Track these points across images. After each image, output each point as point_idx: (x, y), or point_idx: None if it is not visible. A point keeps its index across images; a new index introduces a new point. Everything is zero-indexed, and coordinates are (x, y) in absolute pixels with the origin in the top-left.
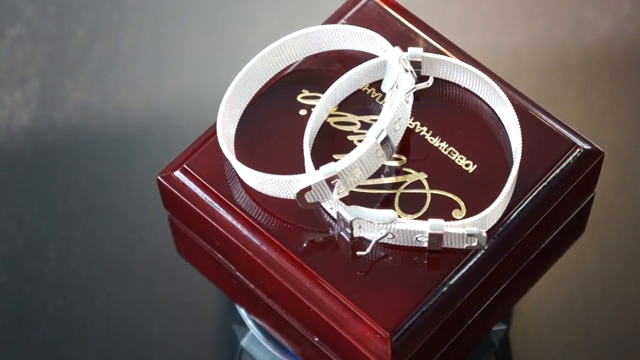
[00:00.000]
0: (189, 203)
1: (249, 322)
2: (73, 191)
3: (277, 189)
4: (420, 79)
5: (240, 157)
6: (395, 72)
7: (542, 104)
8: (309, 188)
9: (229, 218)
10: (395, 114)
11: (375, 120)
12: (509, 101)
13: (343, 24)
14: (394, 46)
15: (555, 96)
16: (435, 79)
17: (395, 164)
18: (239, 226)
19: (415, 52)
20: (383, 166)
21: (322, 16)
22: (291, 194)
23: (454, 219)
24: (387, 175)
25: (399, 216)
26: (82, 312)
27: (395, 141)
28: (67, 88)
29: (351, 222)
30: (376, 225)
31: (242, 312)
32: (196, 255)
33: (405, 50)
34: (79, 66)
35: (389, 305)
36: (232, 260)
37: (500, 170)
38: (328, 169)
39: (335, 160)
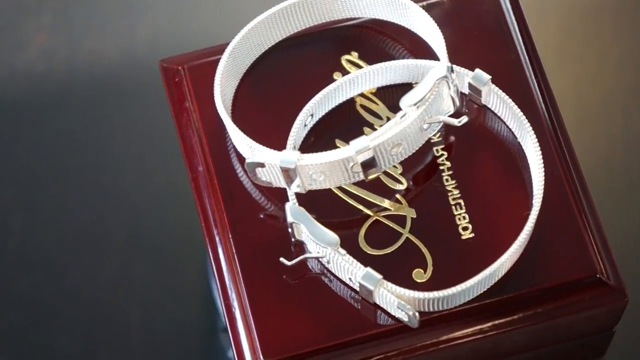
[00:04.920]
0: (170, 101)
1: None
2: (38, 152)
3: (242, 146)
4: (474, 110)
5: (242, 94)
6: (423, 90)
7: (571, 44)
8: (262, 164)
9: (195, 144)
10: (396, 137)
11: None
12: (541, 179)
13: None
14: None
15: (586, 36)
16: (493, 114)
17: (393, 185)
18: (198, 157)
19: (480, 77)
20: (378, 180)
21: None
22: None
23: (412, 280)
24: (376, 191)
25: (366, 249)
26: (52, 293)
27: (386, 163)
28: (29, 31)
29: (291, 223)
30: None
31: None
32: None
33: (472, 69)
34: (41, 5)
35: (286, 331)
36: (191, 183)
37: (495, 256)
38: (287, 158)
39: (336, 146)
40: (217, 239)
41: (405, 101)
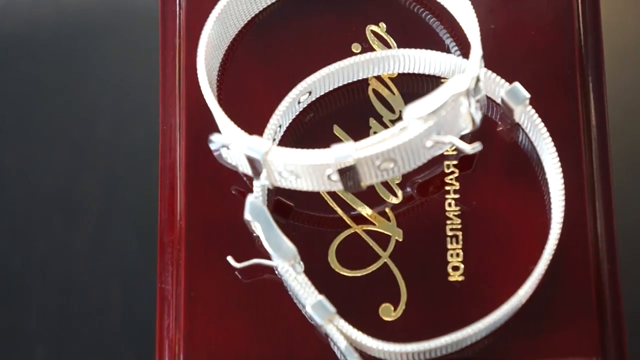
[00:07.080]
0: (161, 31)
1: None
2: (1, 99)
3: (220, 121)
4: (507, 128)
5: (239, 52)
6: (435, 103)
7: None
8: (227, 146)
9: (175, 90)
10: (388, 152)
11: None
12: (558, 231)
13: None
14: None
15: None
16: (526, 137)
17: (386, 196)
18: (174, 107)
19: (516, 93)
20: (372, 189)
21: None
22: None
23: (377, 316)
24: (364, 199)
25: (334, 265)
26: (19, 264)
27: (372, 178)
28: None
29: (248, 221)
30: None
31: None
32: None
33: (512, 78)
34: None
35: (218, 339)
36: (160, 136)
37: (482, 311)
38: (254, 146)
39: (333, 134)
40: (169, 210)
41: (410, 112)
